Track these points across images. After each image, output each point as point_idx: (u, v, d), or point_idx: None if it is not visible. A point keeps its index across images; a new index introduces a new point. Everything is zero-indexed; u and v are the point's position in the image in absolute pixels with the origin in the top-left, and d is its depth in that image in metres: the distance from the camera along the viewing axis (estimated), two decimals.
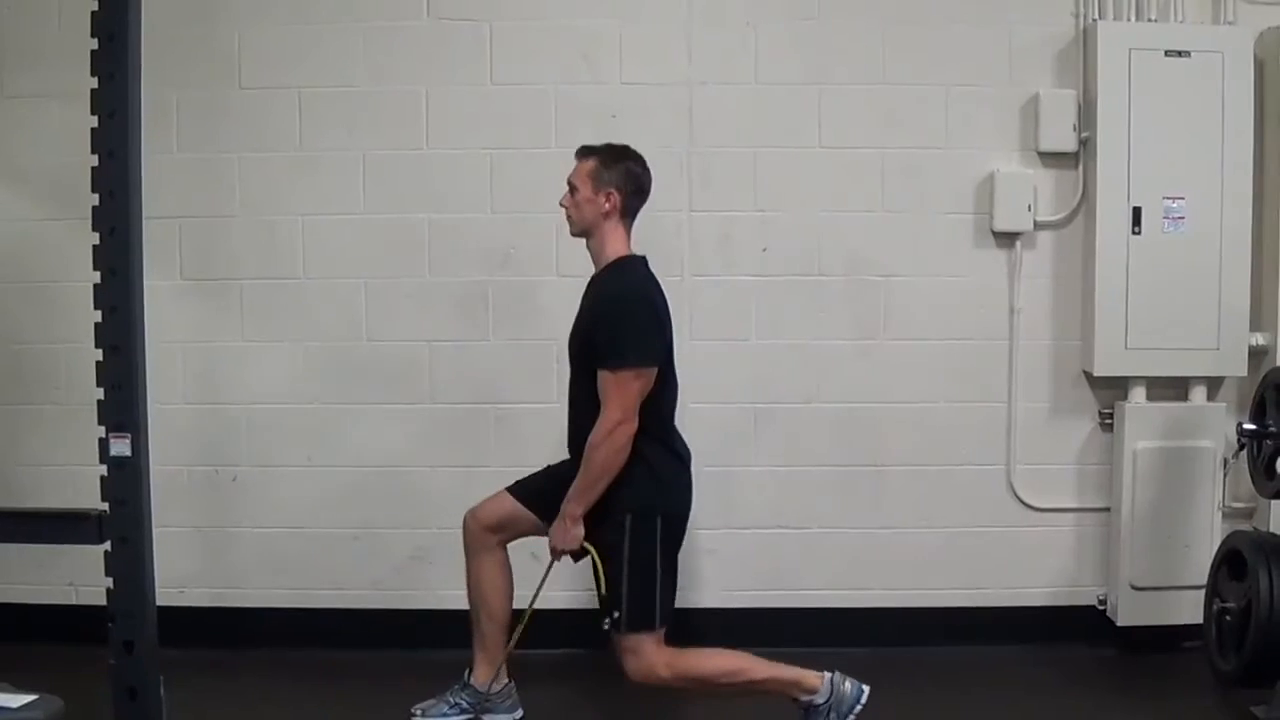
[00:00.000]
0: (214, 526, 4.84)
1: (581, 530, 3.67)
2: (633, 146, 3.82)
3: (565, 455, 3.85)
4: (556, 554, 3.75)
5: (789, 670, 3.76)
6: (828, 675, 3.76)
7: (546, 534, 3.81)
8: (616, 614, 3.65)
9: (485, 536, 4.01)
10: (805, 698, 3.74)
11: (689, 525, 3.81)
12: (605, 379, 3.59)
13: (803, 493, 4.84)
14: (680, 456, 3.79)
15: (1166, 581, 4.69)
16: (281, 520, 4.84)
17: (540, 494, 3.90)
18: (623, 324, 3.63)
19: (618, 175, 3.74)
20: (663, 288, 3.79)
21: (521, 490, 3.99)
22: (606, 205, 3.72)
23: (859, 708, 3.74)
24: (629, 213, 3.77)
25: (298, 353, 4.81)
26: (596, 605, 3.71)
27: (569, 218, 3.81)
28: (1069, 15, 4.74)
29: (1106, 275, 4.65)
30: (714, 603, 4.81)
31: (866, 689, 3.77)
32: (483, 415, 4.81)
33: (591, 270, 3.83)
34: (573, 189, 3.78)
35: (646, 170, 3.80)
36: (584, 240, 3.81)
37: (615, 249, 3.76)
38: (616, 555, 3.65)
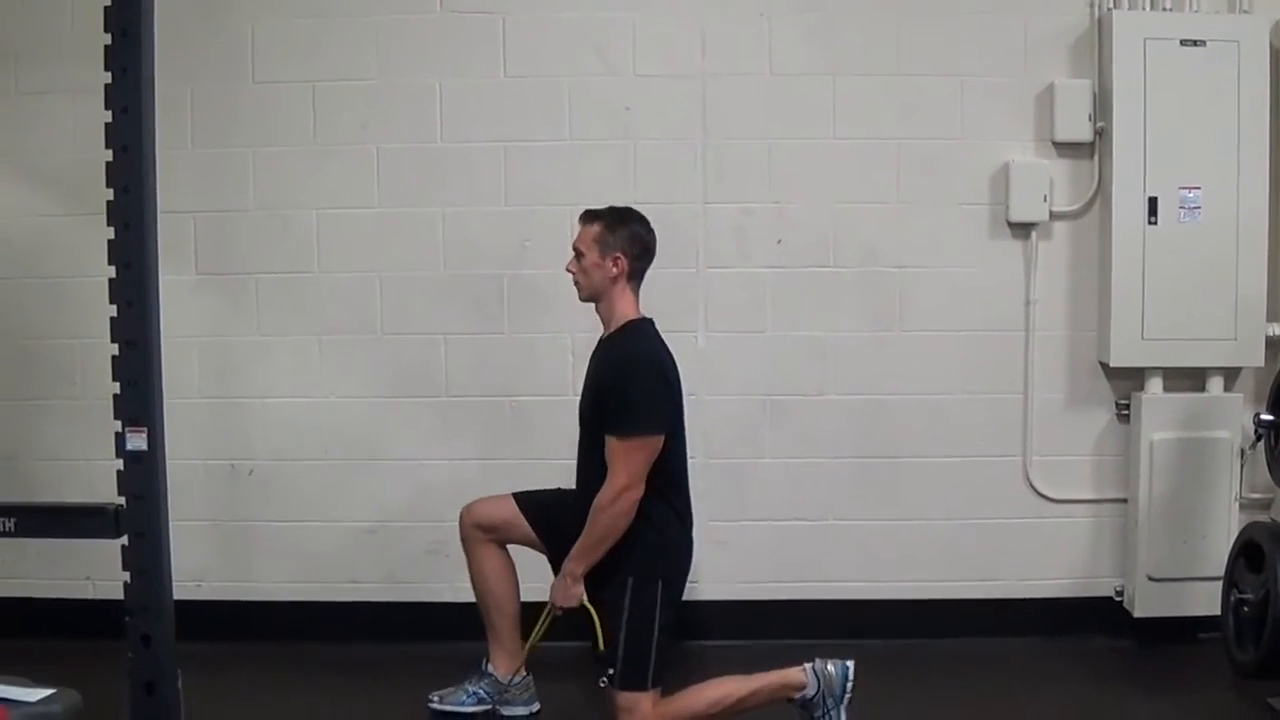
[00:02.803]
0: (231, 520, 4.86)
1: (582, 589, 3.68)
2: (637, 209, 3.83)
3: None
4: (556, 609, 3.76)
5: (772, 676, 3.74)
6: (808, 666, 3.74)
7: (535, 546, 3.89)
8: (611, 671, 3.64)
9: (476, 532, 4.03)
10: (798, 695, 3.73)
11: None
12: (613, 445, 3.60)
13: (818, 484, 4.83)
14: (683, 519, 3.77)
15: (1183, 573, 4.68)
16: (298, 514, 4.85)
17: (545, 511, 3.93)
18: (631, 390, 3.62)
19: (623, 239, 3.73)
20: (671, 351, 3.78)
21: (528, 502, 4.01)
22: (614, 270, 3.72)
23: (850, 684, 3.72)
24: (636, 275, 3.77)
25: (313, 347, 4.82)
26: (593, 658, 3.69)
27: (577, 284, 3.82)
28: (1084, 5, 4.72)
29: (1122, 266, 4.64)
30: (728, 595, 4.81)
31: (851, 663, 3.74)
32: (498, 408, 4.81)
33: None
34: (579, 254, 3.77)
35: (651, 231, 3.79)
36: (593, 305, 3.82)
37: (625, 312, 3.77)
38: (616, 616, 3.64)
